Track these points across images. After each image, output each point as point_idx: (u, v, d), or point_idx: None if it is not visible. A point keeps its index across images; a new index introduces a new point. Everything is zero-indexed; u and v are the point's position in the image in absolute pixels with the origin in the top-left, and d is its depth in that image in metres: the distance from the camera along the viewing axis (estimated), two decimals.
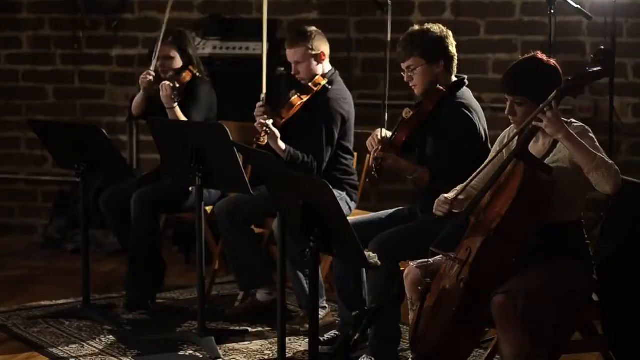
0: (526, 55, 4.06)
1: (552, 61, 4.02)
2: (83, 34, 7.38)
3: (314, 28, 5.48)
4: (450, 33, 4.77)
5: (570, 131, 3.80)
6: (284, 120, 5.32)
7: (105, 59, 7.39)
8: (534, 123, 3.86)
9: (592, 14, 6.05)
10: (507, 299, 3.73)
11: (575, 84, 3.92)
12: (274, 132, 5.21)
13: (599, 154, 3.76)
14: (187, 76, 5.81)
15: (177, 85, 5.64)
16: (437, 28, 4.74)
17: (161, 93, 5.62)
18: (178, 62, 5.82)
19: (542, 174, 3.86)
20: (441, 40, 4.73)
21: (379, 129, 4.74)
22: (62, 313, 5.58)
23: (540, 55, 4.03)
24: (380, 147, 4.64)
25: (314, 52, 5.38)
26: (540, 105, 3.83)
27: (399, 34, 4.87)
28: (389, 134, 4.76)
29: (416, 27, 4.78)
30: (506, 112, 4.02)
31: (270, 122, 5.22)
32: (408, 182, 6.61)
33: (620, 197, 4.12)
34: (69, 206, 7.26)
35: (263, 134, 5.19)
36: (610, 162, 3.77)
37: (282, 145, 5.23)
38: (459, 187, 4.16)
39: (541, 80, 3.95)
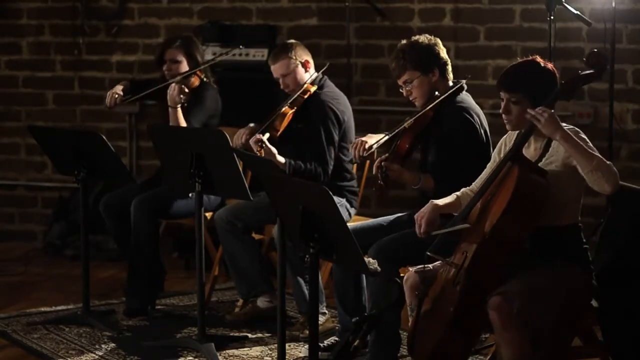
0: (525, 58, 4.09)
1: (550, 65, 4.04)
2: (83, 40, 7.38)
3: (292, 40, 5.51)
4: (438, 40, 4.80)
5: (568, 132, 3.81)
6: (279, 132, 5.31)
7: (105, 65, 7.39)
8: (528, 116, 3.84)
9: (592, 20, 6.06)
10: (504, 300, 3.73)
11: (566, 87, 3.93)
12: (269, 149, 5.18)
13: (596, 155, 3.77)
14: (195, 81, 5.81)
15: (186, 90, 5.63)
16: (424, 38, 4.78)
17: (168, 91, 5.61)
18: (184, 67, 5.82)
19: (537, 177, 3.86)
20: (431, 48, 4.75)
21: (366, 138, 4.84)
22: (62, 319, 5.58)
23: (539, 59, 4.05)
24: (384, 156, 4.66)
25: (298, 61, 5.39)
26: (536, 109, 3.83)
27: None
28: (374, 140, 4.80)
29: (404, 42, 4.81)
30: (501, 111, 4.02)
31: (266, 136, 5.21)
32: (408, 188, 6.61)
33: (619, 203, 4.12)
34: (68, 212, 7.26)
35: (259, 149, 5.18)
36: (609, 162, 3.78)
37: (281, 159, 5.22)
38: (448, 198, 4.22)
39: (538, 80, 3.98)
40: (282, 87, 5.45)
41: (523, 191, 3.82)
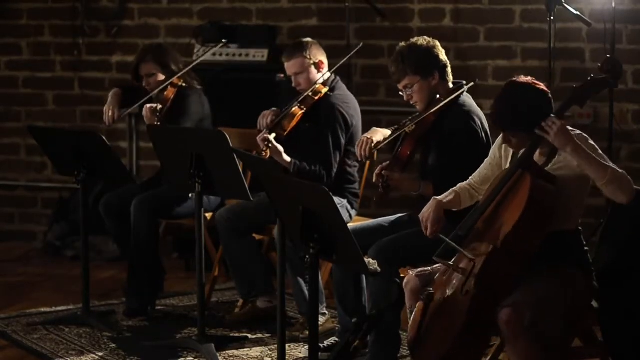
0: (510, 80, 3.97)
1: (541, 85, 3.93)
2: (83, 41, 7.38)
3: (309, 39, 5.49)
4: (437, 42, 4.77)
5: (579, 143, 3.76)
6: (286, 132, 5.30)
7: (105, 65, 7.39)
8: (537, 131, 3.80)
9: (592, 20, 6.06)
10: (514, 313, 3.70)
11: (579, 94, 3.88)
12: (276, 147, 5.19)
13: (609, 166, 3.73)
14: (169, 93, 5.77)
15: (160, 107, 5.60)
16: (422, 40, 4.75)
17: (143, 113, 5.60)
18: (161, 76, 5.81)
19: (549, 185, 3.81)
20: (429, 51, 4.73)
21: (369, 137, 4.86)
22: (62, 319, 5.58)
23: (522, 79, 3.93)
24: (385, 164, 4.65)
25: (312, 61, 5.38)
26: (547, 120, 3.79)
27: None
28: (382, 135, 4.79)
29: (402, 44, 4.78)
30: (502, 142, 4.00)
31: (272, 136, 5.20)
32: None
33: (619, 204, 4.12)
34: (68, 212, 7.26)
35: (265, 148, 5.18)
36: (621, 171, 3.74)
37: (287, 158, 5.21)
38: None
39: (530, 110, 3.86)
40: (293, 84, 5.44)
41: (536, 199, 3.76)
